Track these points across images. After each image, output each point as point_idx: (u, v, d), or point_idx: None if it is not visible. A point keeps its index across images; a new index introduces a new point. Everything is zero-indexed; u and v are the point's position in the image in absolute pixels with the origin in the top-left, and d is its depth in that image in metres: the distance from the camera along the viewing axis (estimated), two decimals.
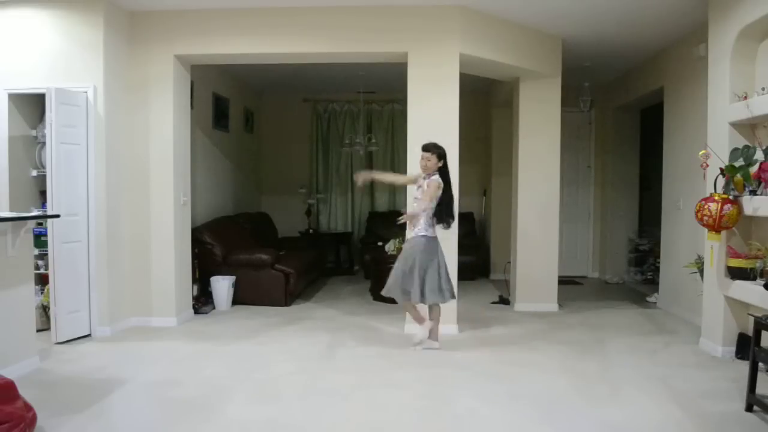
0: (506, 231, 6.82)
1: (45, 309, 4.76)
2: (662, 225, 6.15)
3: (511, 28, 5.37)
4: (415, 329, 4.61)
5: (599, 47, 6.03)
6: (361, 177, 4.71)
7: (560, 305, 5.98)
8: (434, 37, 4.97)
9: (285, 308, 5.96)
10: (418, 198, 4.38)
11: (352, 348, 4.54)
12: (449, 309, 5.02)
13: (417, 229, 4.33)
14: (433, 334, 4.47)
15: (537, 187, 5.89)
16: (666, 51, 5.99)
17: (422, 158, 4.33)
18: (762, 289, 3.68)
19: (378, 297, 6.38)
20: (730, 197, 3.95)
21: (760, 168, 3.81)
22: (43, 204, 4.86)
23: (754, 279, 3.92)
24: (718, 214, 3.87)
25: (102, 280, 4.82)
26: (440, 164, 4.34)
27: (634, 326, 5.27)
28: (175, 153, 5.14)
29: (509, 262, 6.34)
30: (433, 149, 4.32)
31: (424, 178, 4.37)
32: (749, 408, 3.22)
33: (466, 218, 8.06)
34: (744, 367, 3.66)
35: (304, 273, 6.54)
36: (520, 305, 5.94)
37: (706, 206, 3.94)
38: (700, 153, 4.22)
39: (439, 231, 5.01)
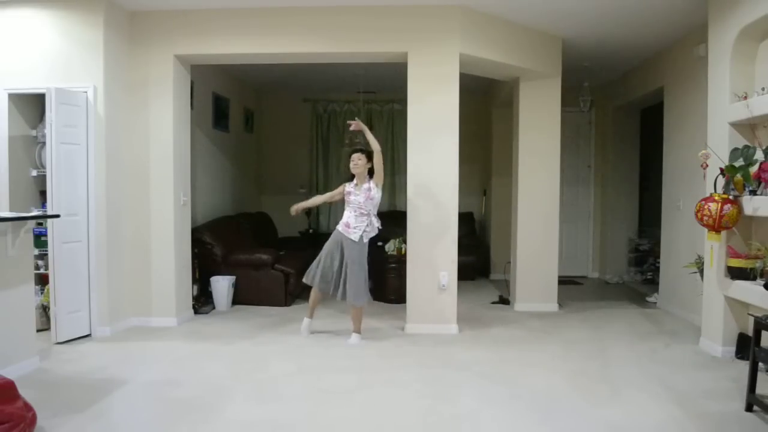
0: (506, 231, 6.82)
1: (45, 309, 4.76)
2: (662, 225, 6.15)
3: (511, 28, 5.37)
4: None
5: (599, 47, 6.03)
6: (294, 209, 4.90)
7: (560, 305, 5.98)
8: (434, 37, 4.97)
9: (285, 308, 5.97)
10: (374, 198, 4.59)
11: (352, 348, 4.54)
12: (449, 309, 5.04)
13: (372, 232, 4.62)
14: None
15: (537, 187, 5.90)
16: (666, 51, 6.00)
17: (351, 160, 4.61)
18: (762, 289, 3.68)
19: (378, 297, 6.39)
20: (730, 197, 3.95)
21: (760, 168, 3.81)
22: (43, 204, 4.86)
23: (754, 279, 3.92)
24: (718, 214, 3.87)
25: (102, 280, 4.82)
26: (369, 165, 4.62)
27: (634, 326, 5.27)
28: (175, 153, 5.14)
29: (509, 262, 6.34)
30: (363, 150, 4.67)
31: (357, 184, 4.63)
32: (749, 408, 3.22)
33: (466, 218, 8.07)
34: (744, 367, 3.66)
35: (304, 273, 6.52)
36: (520, 305, 5.94)
37: (706, 206, 3.94)
38: (700, 153, 4.23)
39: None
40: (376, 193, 4.59)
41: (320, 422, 3.12)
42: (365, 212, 4.57)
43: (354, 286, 4.54)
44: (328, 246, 4.69)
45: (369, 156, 4.62)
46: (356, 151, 4.69)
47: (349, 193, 4.65)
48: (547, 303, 5.91)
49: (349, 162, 4.67)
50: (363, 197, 4.58)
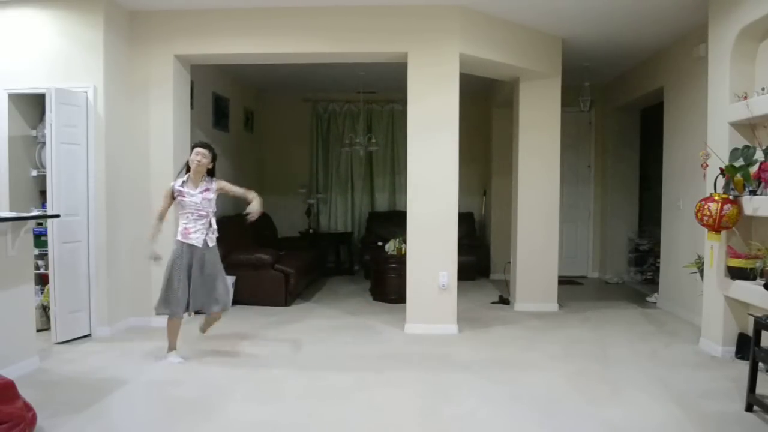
0: (506, 231, 6.82)
1: (45, 309, 4.76)
2: (662, 225, 6.15)
3: (511, 28, 5.37)
4: (175, 357, 4.15)
5: (599, 47, 6.03)
6: (154, 256, 4.13)
7: (560, 305, 5.98)
8: (434, 37, 4.97)
9: (285, 308, 5.96)
10: (211, 199, 4.10)
11: (352, 348, 4.54)
12: (449, 309, 5.04)
13: (214, 234, 4.13)
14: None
15: (537, 186, 5.89)
16: (666, 51, 6.00)
17: (197, 154, 4.02)
18: (762, 289, 3.68)
19: (378, 297, 6.40)
20: (730, 197, 3.95)
21: (760, 168, 3.82)
22: (43, 204, 4.86)
23: (754, 279, 3.92)
24: (718, 214, 3.87)
25: (102, 280, 4.82)
26: (211, 166, 4.13)
27: (634, 326, 5.27)
28: (175, 153, 5.14)
29: (509, 262, 6.34)
30: (210, 147, 4.14)
31: (189, 183, 4.05)
32: (749, 408, 3.22)
33: (466, 218, 8.07)
34: (744, 367, 3.66)
35: (304, 273, 6.54)
36: (520, 305, 5.94)
37: (706, 206, 3.94)
38: (700, 153, 4.23)
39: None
40: (213, 193, 4.11)
41: (320, 422, 3.12)
42: (204, 213, 4.06)
43: (223, 291, 4.14)
44: (173, 267, 4.02)
45: (214, 157, 4.14)
46: (203, 145, 4.10)
47: (181, 193, 4.04)
48: (547, 303, 5.91)
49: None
50: (199, 198, 4.04)
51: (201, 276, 4.08)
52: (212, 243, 4.12)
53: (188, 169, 4.11)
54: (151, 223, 4.21)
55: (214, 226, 4.15)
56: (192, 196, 4.05)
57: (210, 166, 4.13)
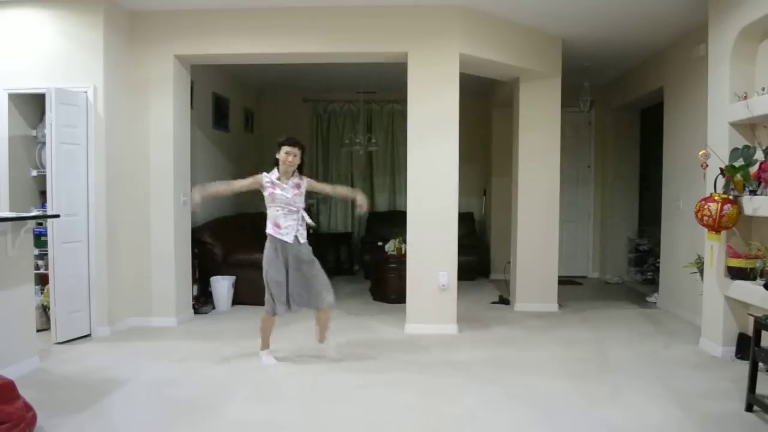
0: (506, 231, 6.82)
1: (45, 309, 4.76)
2: (662, 225, 6.15)
3: (511, 28, 5.37)
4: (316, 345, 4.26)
5: (599, 47, 6.03)
6: (197, 194, 4.04)
7: (560, 305, 5.98)
8: (434, 37, 4.97)
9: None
10: (303, 194, 4.09)
11: (353, 348, 4.53)
12: (449, 309, 5.04)
13: (305, 229, 4.10)
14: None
15: (537, 187, 5.90)
16: (666, 51, 6.00)
17: (289, 154, 3.97)
18: (762, 289, 3.68)
19: (378, 297, 6.40)
20: (730, 197, 3.95)
21: (760, 168, 3.82)
22: (43, 204, 4.86)
23: (754, 279, 3.92)
24: (718, 214, 3.87)
25: (102, 280, 4.82)
26: (300, 162, 4.09)
27: (634, 326, 5.27)
28: (175, 153, 5.15)
29: (509, 262, 6.34)
30: (300, 144, 4.05)
31: (281, 178, 4.02)
32: (749, 408, 3.22)
33: (466, 218, 8.06)
34: (744, 367, 3.66)
35: None
36: (520, 305, 5.94)
37: (706, 206, 3.94)
38: (700, 153, 4.23)
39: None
40: (304, 188, 4.11)
41: (320, 422, 3.12)
42: (294, 209, 4.01)
43: (324, 284, 4.09)
44: (269, 267, 4.00)
45: (303, 151, 4.09)
46: (292, 143, 4.01)
47: (273, 185, 4.00)
48: (547, 303, 5.90)
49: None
50: (291, 193, 4.00)
51: (301, 274, 4.04)
52: (303, 239, 4.06)
53: (276, 164, 4.05)
54: (219, 184, 4.22)
55: (307, 219, 4.11)
56: (284, 190, 3.99)
57: (299, 162, 4.07)
